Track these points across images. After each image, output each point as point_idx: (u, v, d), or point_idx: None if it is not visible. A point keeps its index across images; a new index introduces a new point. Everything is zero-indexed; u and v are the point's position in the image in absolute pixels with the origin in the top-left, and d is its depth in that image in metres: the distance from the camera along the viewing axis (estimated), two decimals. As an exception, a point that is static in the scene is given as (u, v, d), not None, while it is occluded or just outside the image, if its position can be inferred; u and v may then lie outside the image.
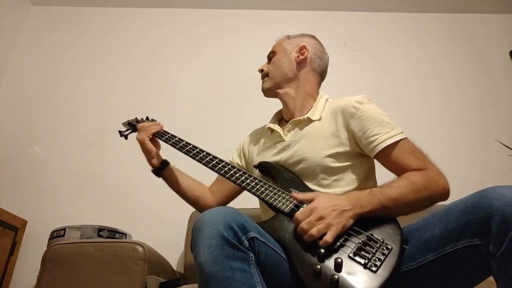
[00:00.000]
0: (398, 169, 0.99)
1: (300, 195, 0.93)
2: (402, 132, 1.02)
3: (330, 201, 0.88)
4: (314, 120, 1.14)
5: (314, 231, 0.82)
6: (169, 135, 1.25)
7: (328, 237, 0.82)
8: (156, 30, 2.56)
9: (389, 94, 2.42)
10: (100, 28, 2.54)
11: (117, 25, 2.56)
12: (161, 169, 1.23)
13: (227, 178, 1.07)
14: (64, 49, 2.45)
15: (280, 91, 1.24)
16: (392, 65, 2.54)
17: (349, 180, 1.05)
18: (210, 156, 1.14)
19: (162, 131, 1.26)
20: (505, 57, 2.60)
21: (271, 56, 1.31)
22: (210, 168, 1.12)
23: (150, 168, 1.25)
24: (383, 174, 1.07)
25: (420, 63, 2.55)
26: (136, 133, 1.40)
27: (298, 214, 0.87)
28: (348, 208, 0.86)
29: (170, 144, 1.22)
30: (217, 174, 1.14)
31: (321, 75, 1.29)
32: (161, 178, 1.26)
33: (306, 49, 1.26)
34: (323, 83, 1.33)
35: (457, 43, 2.64)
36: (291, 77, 1.24)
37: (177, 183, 1.26)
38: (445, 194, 0.92)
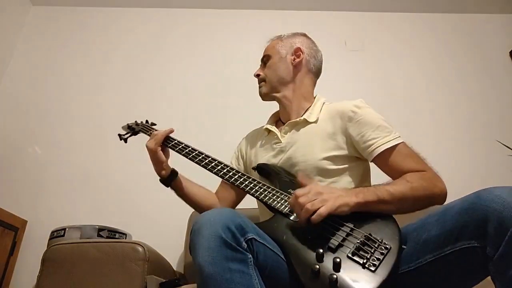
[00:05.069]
0: (396, 173, 0.99)
1: (304, 179, 0.94)
2: (399, 136, 1.03)
3: (328, 187, 0.95)
4: (311, 122, 1.15)
5: (309, 205, 0.83)
6: (176, 141, 1.21)
7: (323, 210, 0.82)
8: (156, 30, 2.56)
9: (389, 94, 2.42)
10: (100, 28, 2.54)
11: (117, 25, 2.56)
12: (172, 179, 1.19)
13: (231, 182, 1.07)
14: (64, 49, 2.45)
15: (278, 94, 1.25)
16: (392, 65, 2.54)
17: (345, 183, 1.06)
18: (216, 162, 1.13)
19: (170, 138, 1.21)
20: (505, 57, 2.60)
21: (265, 60, 1.29)
22: (220, 176, 1.10)
23: (159, 178, 1.20)
24: (379, 179, 1.07)
25: (420, 63, 2.55)
26: (135, 136, 1.39)
27: (298, 190, 0.88)
28: (344, 195, 0.88)
29: (176, 151, 1.18)
30: (216, 178, 1.14)
31: (317, 74, 1.30)
32: (169, 188, 1.21)
33: (301, 51, 1.25)
34: (321, 82, 1.33)
35: (457, 43, 2.63)
36: (288, 80, 1.24)
37: (188, 192, 1.22)
38: (442, 197, 0.93)
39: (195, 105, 2.32)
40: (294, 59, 1.25)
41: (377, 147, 1.01)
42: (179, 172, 1.22)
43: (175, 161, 1.23)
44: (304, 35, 1.32)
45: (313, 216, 0.83)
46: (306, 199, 0.85)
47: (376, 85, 2.45)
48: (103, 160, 2.14)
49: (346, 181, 1.06)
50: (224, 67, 2.44)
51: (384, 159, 1.02)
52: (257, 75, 1.30)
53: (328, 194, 0.85)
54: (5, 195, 1.99)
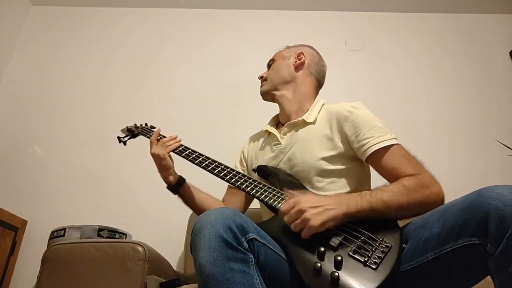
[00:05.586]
0: (391, 174, 0.98)
1: (291, 196, 0.94)
2: (395, 138, 1.03)
3: (316, 198, 0.89)
4: (309, 123, 1.16)
5: (292, 226, 0.85)
6: (190, 150, 1.18)
7: (303, 234, 0.83)
8: (156, 30, 2.56)
9: (389, 94, 2.42)
10: (100, 28, 2.55)
11: (117, 25, 2.56)
12: (179, 186, 1.17)
13: (231, 183, 1.08)
14: (63, 49, 2.45)
15: (277, 93, 1.27)
16: (392, 65, 2.54)
17: (343, 183, 1.06)
18: (216, 164, 1.12)
19: (182, 147, 1.19)
20: (505, 57, 2.60)
21: (270, 63, 1.35)
22: (220, 177, 1.09)
23: (166, 185, 1.18)
24: (378, 181, 1.06)
25: (420, 63, 2.55)
26: (134, 138, 1.39)
27: (283, 205, 0.89)
28: (332, 207, 0.86)
29: (190, 160, 1.15)
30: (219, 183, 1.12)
31: (319, 80, 1.31)
32: (176, 196, 1.19)
33: (304, 55, 1.29)
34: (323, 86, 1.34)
35: (457, 43, 2.64)
36: (288, 80, 1.27)
37: (195, 200, 1.20)
38: (439, 201, 0.91)
39: (196, 106, 2.32)
40: (296, 61, 1.29)
41: (370, 147, 1.01)
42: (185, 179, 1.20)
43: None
44: (311, 47, 1.36)
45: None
46: (289, 219, 0.85)
47: (376, 85, 2.45)
48: (103, 160, 2.14)
49: (345, 181, 1.06)
50: (225, 68, 2.43)
51: (377, 159, 1.01)
52: (261, 77, 1.34)
53: (312, 211, 0.84)
54: (5, 195, 1.99)
